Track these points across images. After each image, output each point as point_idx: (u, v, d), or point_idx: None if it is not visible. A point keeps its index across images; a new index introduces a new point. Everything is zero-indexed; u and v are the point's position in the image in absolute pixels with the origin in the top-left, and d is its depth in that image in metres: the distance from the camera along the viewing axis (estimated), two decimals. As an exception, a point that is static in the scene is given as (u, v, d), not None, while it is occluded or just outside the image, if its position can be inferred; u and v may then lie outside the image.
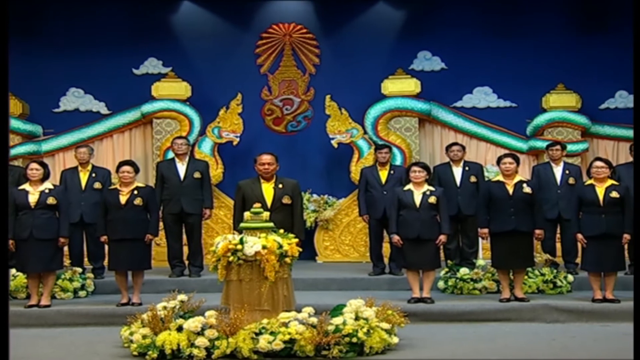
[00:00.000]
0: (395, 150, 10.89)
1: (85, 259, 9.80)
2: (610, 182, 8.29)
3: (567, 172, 9.65)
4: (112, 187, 8.83)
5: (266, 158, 8.47)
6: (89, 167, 9.79)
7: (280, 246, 6.80)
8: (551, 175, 9.66)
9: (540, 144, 11.03)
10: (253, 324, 6.60)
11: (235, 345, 6.44)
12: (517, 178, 8.47)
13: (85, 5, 11.78)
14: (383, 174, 9.81)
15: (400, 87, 11.41)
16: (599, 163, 8.35)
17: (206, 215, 9.96)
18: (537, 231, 8.42)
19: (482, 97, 11.92)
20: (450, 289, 8.97)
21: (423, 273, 8.43)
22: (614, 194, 8.14)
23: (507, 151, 10.28)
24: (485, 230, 8.49)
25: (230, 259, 6.76)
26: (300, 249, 7.08)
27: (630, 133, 11.30)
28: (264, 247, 6.71)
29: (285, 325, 6.56)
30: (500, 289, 8.53)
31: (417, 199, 8.34)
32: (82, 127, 11.65)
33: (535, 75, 11.54)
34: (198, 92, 11.56)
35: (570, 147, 10.69)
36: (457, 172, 9.79)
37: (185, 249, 9.97)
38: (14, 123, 10.91)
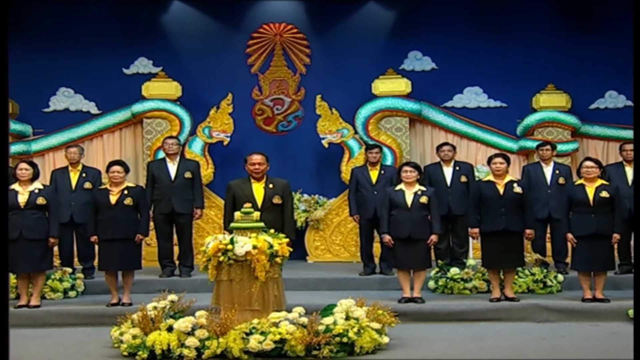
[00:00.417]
0: (385, 150, 10.91)
1: (75, 259, 9.78)
2: (600, 182, 8.31)
3: (557, 172, 9.68)
4: (102, 187, 8.80)
5: (257, 158, 8.46)
6: (79, 167, 9.77)
7: (271, 246, 6.80)
8: (541, 175, 9.69)
9: (531, 144, 11.06)
10: (243, 324, 6.59)
11: (226, 346, 6.43)
12: (508, 178, 8.48)
13: (76, 4, 11.75)
14: (374, 174, 9.82)
15: (390, 87, 11.42)
16: (588, 163, 8.37)
17: (197, 215, 9.95)
18: (528, 231, 8.43)
19: (473, 97, 11.95)
20: (441, 288, 8.98)
21: (414, 273, 8.43)
22: (604, 194, 8.17)
23: (497, 151, 10.30)
24: (476, 230, 8.51)
25: (221, 259, 6.76)
26: (291, 249, 7.08)
27: (619, 133, 11.40)
28: (254, 247, 6.70)
29: (276, 325, 6.55)
30: (491, 289, 8.54)
31: (409, 198, 8.34)
32: (72, 126, 11.62)
33: (526, 75, 11.58)
34: (188, 92, 11.55)
35: (560, 147, 10.72)
36: (448, 172, 9.80)
37: (176, 249, 9.96)
38: (4, 123, 10.86)
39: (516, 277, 8.69)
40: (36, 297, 8.36)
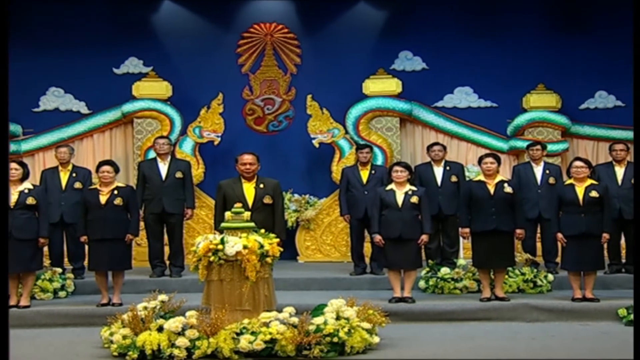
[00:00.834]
0: (376, 150, 10.91)
1: (65, 259, 9.75)
2: (589, 181, 8.33)
3: (547, 171, 9.70)
4: (92, 187, 8.77)
5: (247, 158, 8.46)
6: (70, 167, 9.75)
7: (261, 246, 6.79)
8: (531, 175, 9.71)
9: (521, 143, 11.08)
10: (234, 324, 6.58)
11: (216, 346, 6.42)
12: (498, 178, 8.49)
13: (66, 4, 11.71)
14: (364, 174, 9.82)
15: (381, 87, 11.43)
16: (578, 163, 8.39)
17: (188, 215, 9.93)
18: (518, 231, 8.44)
19: (463, 97, 11.96)
20: (431, 288, 8.99)
21: (404, 273, 8.43)
22: (594, 194, 8.19)
23: (487, 151, 10.30)
24: (467, 230, 8.52)
25: (211, 259, 6.75)
26: (282, 249, 7.08)
27: (609, 133, 11.45)
28: (245, 247, 6.70)
29: (266, 325, 6.55)
30: (481, 289, 8.55)
31: (400, 198, 8.35)
32: (62, 126, 11.61)
33: (516, 75, 11.61)
34: (179, 92, 11.53)
35: (550, 147, 10.76)
36: (438, 172, 9.81)
37: (167, 249, 9.94)
38: (-7, 122, 10.84)
39: (506, 276, 8.70)
40: (26, 298, 8.34)
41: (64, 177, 9.65)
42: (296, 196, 11.48)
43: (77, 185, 9.57)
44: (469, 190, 8.57)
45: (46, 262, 9.25)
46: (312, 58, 12.08)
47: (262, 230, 7.10)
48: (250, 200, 8.31)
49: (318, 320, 6.65)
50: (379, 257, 8.96)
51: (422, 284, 9.03)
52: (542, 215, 9.48)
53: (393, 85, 11.44)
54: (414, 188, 8.46)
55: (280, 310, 6.77)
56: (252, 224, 7.07)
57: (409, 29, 11.95)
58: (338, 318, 6.74)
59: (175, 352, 6.42)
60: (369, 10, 12.09)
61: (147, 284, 9.12)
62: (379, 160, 10.98)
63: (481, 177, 8.57)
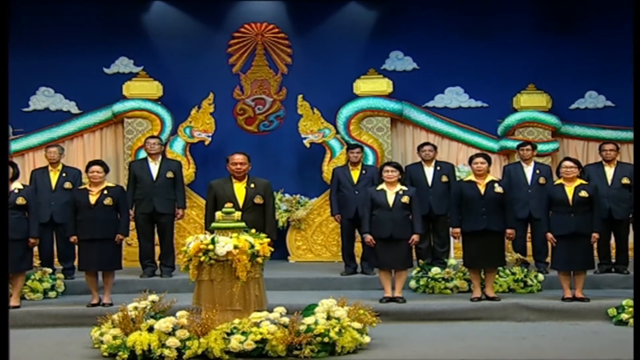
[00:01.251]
0: (367, 150, 10.92)
1: (55, 259, 9.72)
2: (579, 181, 8.35)
3: (537, 171, 9.71)
4: (82, 187, 8.75)
5: (238, 158, 8.46)
6: (59, 167, 9.73)
7: (252, 246, 6.79)
8: (522, 175, 9.72)
9: (511, 143, 11.10)
10: (224, 324, 6.58)
11: (207, 346, 6.41)
12: (489, 178, 8.51)
13: (56, 3, 11.67)
14: (355, 174, 9.82)
15: (372, 87, 11.44)
16: (567, 163, 8.41)
17: (179, 215, 9.92)
18: (508, 230, 8.45)
19: (454, 97, 11.98)
20: (422, 288, 8.99)
21: (395, 272, 8.44)
22: (583, 194, 8.20)
23: (478, 151, 10.32)
24: (457, 230, 8.53)
25: (202, 259, 6.74)
26: (272, 249, 7.07)
27: (599, 133, 11.50)
28: (235, 247, 6.69)
29: (257, 325, 6.55)
30: (472, 288, 8.56)
31: (390, 198, 8.35)
32: (52, 126, 11.57)
33: (506, 75, 11.62)
34: (169, 92, 11.51)
35: (540, 147, 10.78)
36: (429, 171, 9.80)
37: (157, 249, 9.92)
38: (-18, 122, 10.79)
39: (497, 276, 8.71)
40: (16, 298, 8.30)
41: (53, 177, 9.63)
42: (287, 196, 11.48)
43: (67, 185, 9.55)
44: (459, 190, 8.58)
45: (36, 262, 9.21)
46: (303, 58, 12.08)
47: (253, 230, 7.10)
48: (241, 200, 8.31)
49: (309, 320, 6.65)
50: (370, 257, 8.96)
51: (412, 283, 9.04)
52: (533, 215, 9.49)
53: (384, 85, 11.45)
54: (404, 188, 8.46)
55: (271, 310, 6.77)
56: (243, 224, 7.07)
57: (399, 29, 11.96)
58: (329, 318, 6.74)
59: (166, 352, 6.41)
60: (359, 10, 12.09)
61: (137, 284, 9.10)
62: (370, 160, 10.98)
63: (472, 177, 8.58)
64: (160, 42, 12.01)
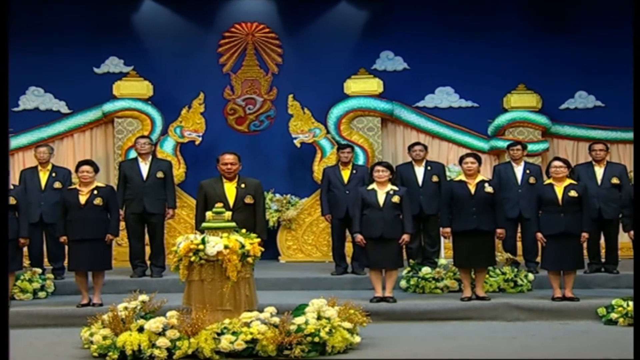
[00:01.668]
0: (357, 149, 10.92)
1: (45, 260, 9.69)
2: (568, 181, 8.36)
3: (527, 171, 9.73)
4: (72, 187, 8.72)
5: (229, 158, 8.46)
6: (49, 167, 9.71)
7: (243, 246, 6.79)
8: (512, 175, 9.73)
9: (502, 143, 11.13)
10: (215, 324, 6.57)
11: (197, 346, 6.40)
12: (479, 178, 8.52)
13: (46, 3, 11.65)
14: (345, 174, 9.82)
15: (362, 86, 11.45)
16: (557, 163, 8.43)
17: (169, 215, 9.90)
18: (499, 230, 8.47)
19: (444, 97, 12.00)
20: (412, 288, 9.00)
21: (385, 272, 8.44)
22: (573, 193, 8.22)
23: (468, 151, 10.36)
24: (448, 230, 8.53)
25: (192, 259, 6.73)
26: (263, 249, 7.06)
27: (589, 133, 11.54)
28: (226, 247, 6.69)
29: (247, 325, 6.54)
30: (462, 288, 8.57)
31: (381, 198, 8.35)
32: (42, 126, 11.54)
33: (497, 75, 11.65)
34: (160, 91, 11.49)
35: (530, 147, 10.81)
36: (419, 171, 9.81)
37: (147, 249, 9.90)
38: (-28, 122, 10.75)
39: (487, 276, 8.72)
40: (5, 298, 8.28)
41: (43, 177, 9.61)
42: (277, 196, 11.47)
43: (57, 185, 9.53)
44: (450, 190, 8.59)
45: (26, 262, 9.19)
46: (294, 58, 12.07)
47: (243, 230, 7.10)
48: (231, 200, 8.31)
49: (299, 320, 6.65)
50: (361, 256, 8.97)
51: (403, 283, 9.04)
52: (523, 215, 9.51)
53: (374, 85, 11.46)
54: (395, 188, 8.47)
55: (261, 310, 6.77)
56: (233, 224, 7.06)
57: (390, 29, 11.97)
58: (319, 318, 6.73)
59: (156, 352, 6.40)
60: (350, 10, 12.10)
61: (127, 284, 9.08)
62: (361, 160, 10.99)
63: (462, 177, 8.59)
64: (151, 41, 12.00)
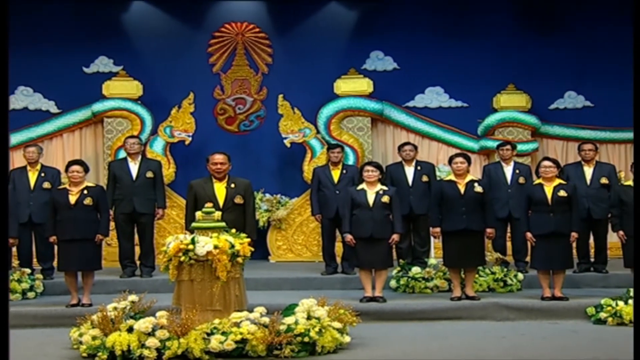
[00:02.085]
0: (347, 149, 10.93)
1: (34, 260, 9.66)
2: (558, 181, 8.39)
3: (517, 171, 9.75)
4: (62, 187, 8.70)
5: (218, 157, 8.45)
6: (38, 167, 9.67)
7: (232, 246, 6.78)
8: (502, 175, 9.75)
9: (491, 143, 11.15)
10: (204, 324, 6.57)
11: (187, 346, 6.39)
12: (469, 177, 8.53)
13: (35, 2, 11.60)
14: (335, 174, 9.82)
15: (352, 86, 11.46)
16: (546, 162, 8.45)
17: (159, 215, 9.88)
18: (488, 230, 8.49)
19: (434, 97, 12.00)
20: (402, 287, 9.01)
21: (375, 272, 8.45)
22: (562, 193, 8.25)
23: (458, 151, 10.39)
24: (437, 229, 8.54)
25: (182, 259, 6.73)
26: (253, 249, 7.06)
27: (578, 133, 11.58)
28: (215, 247, 6.68)
29: (237, 325, 6.54)
30: (452, 288, 8.59)
31: (371, 198, 8.36)
32: (31, 126, 11.49)
33: (486, 75, 11.65)
34: (150, 91, 11.47)
35: (520, 147, 10.82)
36: (409, 171, 9.82)
37: (137, 249, 9.88)
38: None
39: (477, 276, 8.74)
40: (-6, 299, 8.25)
41: (32, 177, 9.57)
42: (267, 196, 11.46)
43: (46, 185, 9.50)
44: (439, 189, 8.60)
45: (15, 262, 9.16)
46: (284, 58, 12.06)
47: (233, 230, 7.09)
48: (221, 200, 8.29)
49: (289, 320, 6.65)
50: (350, 256, 8.98)
51: (393, 283, 9.05)
52: (512, 215, 9.52)
53: (364, 85, 11.46)
54: (385, 188, 8.48)
55: (251, 310, 6.76)
56: (223, 224, 7.06)
57: (380, 29, 11.97)
58: (309, 318, 6.73)
59: (145, 352, 6.39)
60: (340, 10, 12.09)
61: (117, 284, 9.07)
62: (350, 160, 10.99)
63: (452, 177, 8.60)
64: (140, 41, 11.96)
